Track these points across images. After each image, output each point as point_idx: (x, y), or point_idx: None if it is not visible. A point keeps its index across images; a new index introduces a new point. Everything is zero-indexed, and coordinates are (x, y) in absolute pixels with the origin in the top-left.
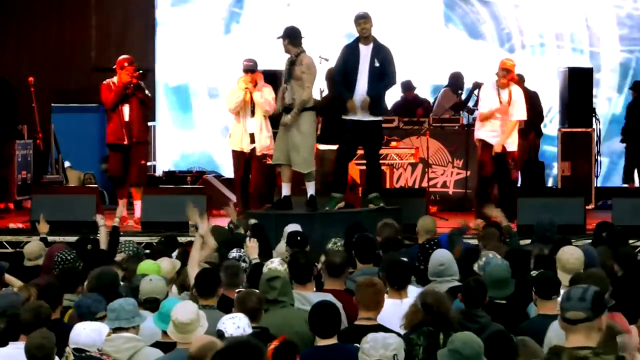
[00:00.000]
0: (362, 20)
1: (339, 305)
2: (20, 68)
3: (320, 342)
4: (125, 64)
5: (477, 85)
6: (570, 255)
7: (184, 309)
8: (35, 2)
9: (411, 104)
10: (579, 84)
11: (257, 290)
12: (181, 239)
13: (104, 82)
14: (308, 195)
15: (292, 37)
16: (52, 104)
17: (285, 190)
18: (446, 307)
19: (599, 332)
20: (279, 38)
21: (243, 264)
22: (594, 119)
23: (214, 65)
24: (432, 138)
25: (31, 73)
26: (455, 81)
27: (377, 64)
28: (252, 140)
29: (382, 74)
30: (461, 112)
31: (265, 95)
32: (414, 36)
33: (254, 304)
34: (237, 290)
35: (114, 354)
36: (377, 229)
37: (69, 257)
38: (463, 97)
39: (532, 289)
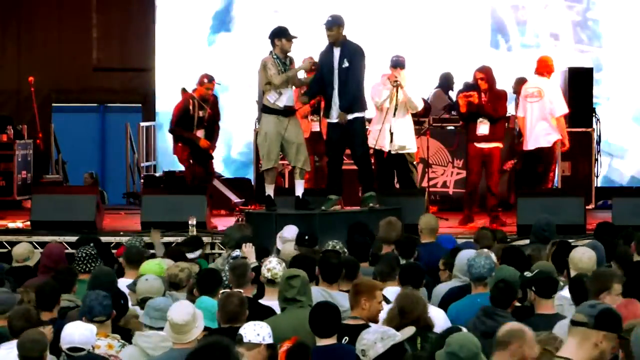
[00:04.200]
0: (326, 28)
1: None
2: (20, 68)
3: (320, 342)
4: (205, 81)
5: (468, 86)
6: (582, 254)
7: (179, 309)
8: (35, 2)
9: None
10: (579, 84)
11: (240, 291)
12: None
13: (181, 101)
14: (297, 195)
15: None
16: (52, 104)
17: (270, 190)
18: (421, 309)
19: (594, 348)
20: (294, 38)
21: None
22: (594, 119)
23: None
24: (432, 138)
25: (31, 73)
26: (446, 82)
27: (345, 64)
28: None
29: (351, 73)
30: (453, 112)
31: (414, 93)
32: (416, 34)
33: (235, 305)
34: (221, 291)
35: (149, 351)
36: (383, 228)
37: (92, 253)
38: (454, 98)
39: (531, 289)
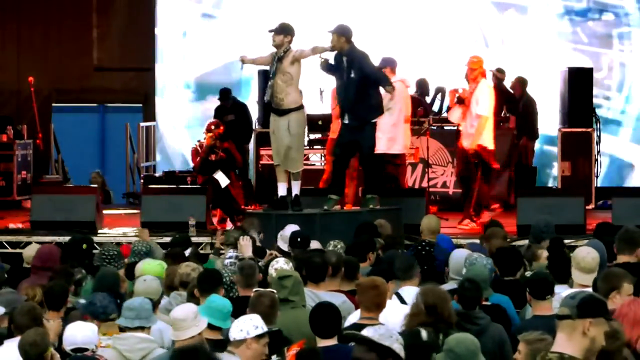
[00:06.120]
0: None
1: (351, 305)
2: (20, 68)
3: (321, 343)
4: (212, 127)
5: (440, 90)
6: (587, 254)
7: (181, 307)
8: (35, 2)
9: None
10: (579, 84)
11: (272, 291)
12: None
13: (193, 146)
14: (293, 195)
15: (287, 32)
16: (52, 104)
17: (282, 190)
18: (448, 307)
19: (583, 337)
20: (271, 32)
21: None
22: (594, 119)
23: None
24: (432, 138)
25: (31, 73)
26: (421, 88)
27: (352, 75)
28: None
29: (359, 85)
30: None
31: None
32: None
33: (266, 306)
34: (253, 290)
35: (126, 353)
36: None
37: (115, 253)
38: (428, 101)
39: (527, 290)
